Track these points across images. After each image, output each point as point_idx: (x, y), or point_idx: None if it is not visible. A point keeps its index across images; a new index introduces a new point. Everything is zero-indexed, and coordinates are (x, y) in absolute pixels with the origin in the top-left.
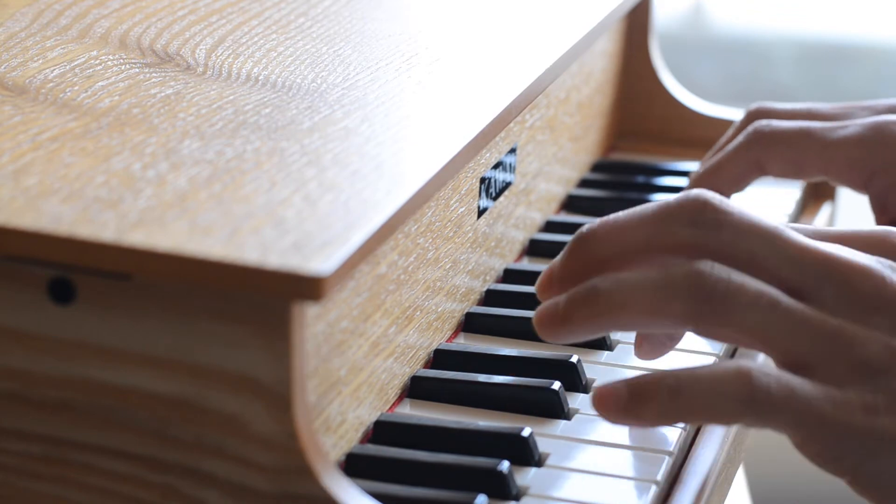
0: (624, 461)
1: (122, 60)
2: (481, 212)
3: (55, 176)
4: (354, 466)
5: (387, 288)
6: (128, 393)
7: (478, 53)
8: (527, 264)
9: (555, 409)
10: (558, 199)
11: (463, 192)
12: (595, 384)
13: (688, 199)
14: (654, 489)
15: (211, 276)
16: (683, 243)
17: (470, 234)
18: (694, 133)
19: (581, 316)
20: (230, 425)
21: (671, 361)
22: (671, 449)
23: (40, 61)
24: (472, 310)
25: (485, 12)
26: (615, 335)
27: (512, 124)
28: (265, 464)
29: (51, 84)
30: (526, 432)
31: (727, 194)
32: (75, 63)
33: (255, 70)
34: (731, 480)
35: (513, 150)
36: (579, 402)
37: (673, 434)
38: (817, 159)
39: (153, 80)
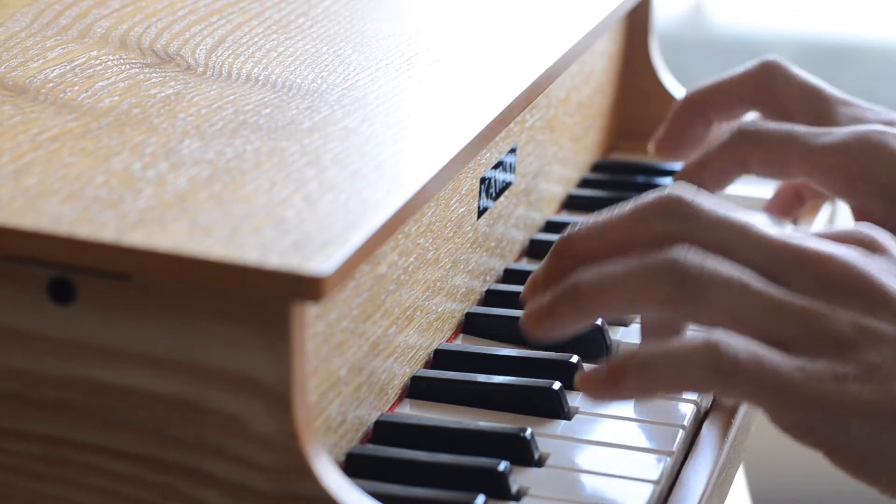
0: (624, 461)
1: (122, 60)
2: (481, 212)
3: (55, 176)
4: (354, 466)
5: (387, 288)
6: (128, 393)
7: (478, 53)
8: (527, 264)
9: (555, 409)
10: (558, 199)
11: (463, 192)
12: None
13: (661, 196)
14: (654, 489)
15: (211, 276)
16: (659, 236)
17: (470, 235)
18: None
19: (564, 308)
20: (230, 425)
21: None
22: (671, 449)
23: (40, 61)
24: (472, 310)
25: (485, 12)
26: (615, 335)
27: (512, 124)
28: (265, 464)
29: (51, 84)
30: (526, 432)
31: (711, 190)
32: (75, 63)
33: (256, 70)
34: (731, 480)
35: (513, 150)
36: (579, 401)
37: (673, 434)
38: (800, 163)
39: (153, 80)
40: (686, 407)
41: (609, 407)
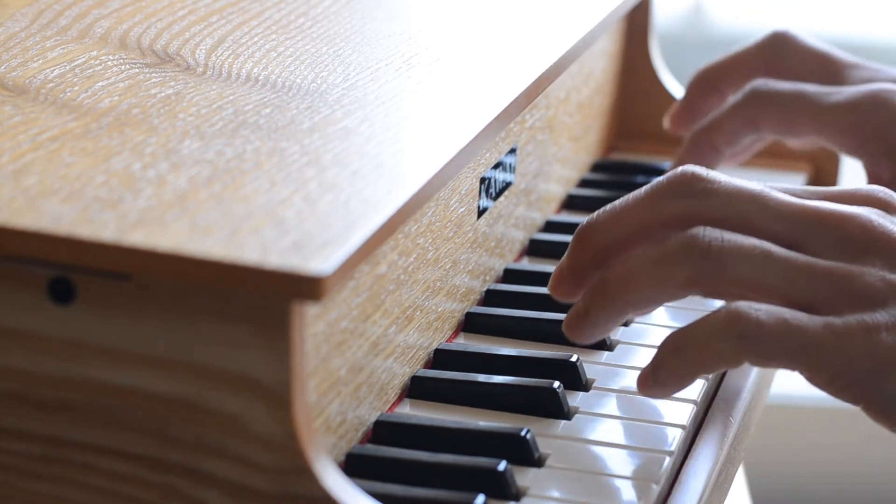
0: (624, 461)
1: (122, 60)
2: (481, 212)
3: (55, 176)
4: (354, 466)
5: (387, 288)
6: (128, 393)
7: (478, 53)
8: (527, 264)
9: (555, 409)
10: (558, 199)
11: (463, 192)
12: (595, 384)
13: (676, 174)
14: (654, 489)
15: (211, 276)
16: (677, 216)
17: (470, 235)
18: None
19: (598, 307)
20: (230, 425)
21: None
22: (671, 449)
23: (40, 61)
24: (472, 310)
25: (485, 12)
26: (615, 335)
27: (512, 124)
28: (265, 464)
29: (51, 84)
30: (526, 432)
31: (721, 148)
32: (75, 63)
33: (255, 70)
34: (731, 480)
35: (513, 151)
36: (579, 401)
37: (673, 434)
38: (811, 122)
39: (153, 80)
40: (686, 407)
41: (609, 407)
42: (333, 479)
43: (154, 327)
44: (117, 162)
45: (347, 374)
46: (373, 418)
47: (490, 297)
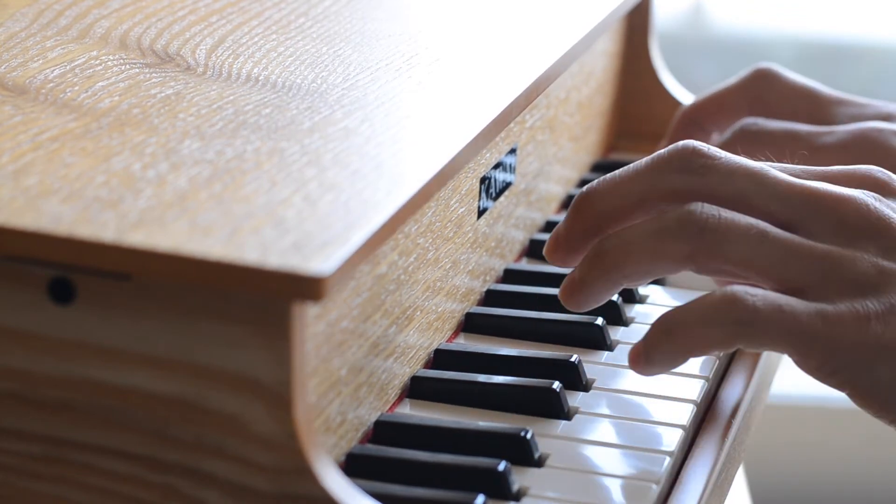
0: (624, 461)
1: (122, 60)
2: (481, 212)
3: (55, 176)
4: (354, 466)
5: (387, 288)
6: (128, 393)
7: (478, 53)
8: (527, 264)
9: (555, 409)
10: (558, 199)
11: (463, 192)
12: (595, 384)
13: (677, 148)
14: (654, 489)
15: (211, 276)
16: (676, 190)
17: (470, 235)
18: None
19: (593, 276)
20: (230, 425)
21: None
22: (671, 449)
23: (40, 61)
24: (472, 310)
25: (485, 12)
26: (615, 335)
27: (512, 124)
28: (265, 464)
29: (51, 84)
30: (526, 433)
31: None
32: (75, 63)
33: (256, 70)
34: (731, 480)
35: (513, 151)
36: (579, 401)
37: (673, 434)
38: (803, 162)
39: (153, 80)
40: (686, 407)
41: (609, 407)
42: (333, 479)
43: (154, 327)
44: (117, 162)
45: (348, 374)
46: (373, 418)
47: (490, 298)
